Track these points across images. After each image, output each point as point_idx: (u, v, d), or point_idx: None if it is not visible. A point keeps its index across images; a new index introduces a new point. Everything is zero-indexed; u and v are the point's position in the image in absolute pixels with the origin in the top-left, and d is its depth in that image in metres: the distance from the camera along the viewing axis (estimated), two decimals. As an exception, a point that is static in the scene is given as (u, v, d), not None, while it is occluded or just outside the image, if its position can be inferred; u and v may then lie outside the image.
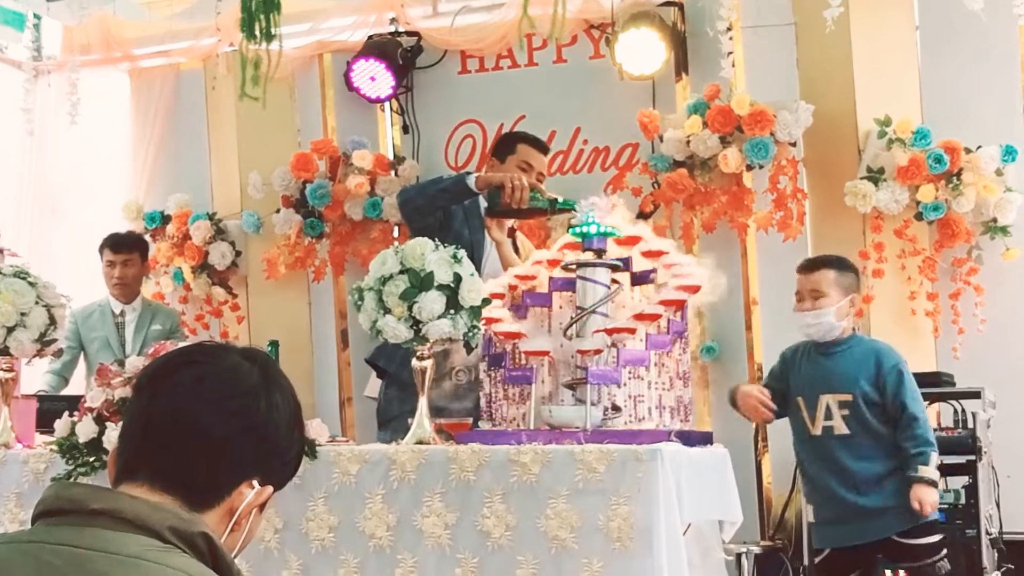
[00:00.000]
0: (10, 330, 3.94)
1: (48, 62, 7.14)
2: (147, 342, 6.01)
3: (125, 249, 6.17)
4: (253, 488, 1.71)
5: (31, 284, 3.99)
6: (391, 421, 4.63)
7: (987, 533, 4.80)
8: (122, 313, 6.17)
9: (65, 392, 5.89)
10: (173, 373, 1.74)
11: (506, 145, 4.88)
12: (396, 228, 6.51)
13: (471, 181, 4.46)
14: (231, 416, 1.70)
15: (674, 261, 3.66)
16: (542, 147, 4.93)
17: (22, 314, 3.94)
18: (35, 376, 5.75)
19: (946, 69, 5.75)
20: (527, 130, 5.71)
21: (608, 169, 6.27)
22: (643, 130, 5.95)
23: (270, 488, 1.74)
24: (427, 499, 3.23)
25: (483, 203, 4.74)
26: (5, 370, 4.02)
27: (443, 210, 4.63)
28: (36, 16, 6.85)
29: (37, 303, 3.98)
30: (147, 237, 6.85)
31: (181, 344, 3.69)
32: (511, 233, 4.84)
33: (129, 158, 7.15)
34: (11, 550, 1.54)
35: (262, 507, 1.76)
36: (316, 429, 3.42)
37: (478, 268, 3.57)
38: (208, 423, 1.68)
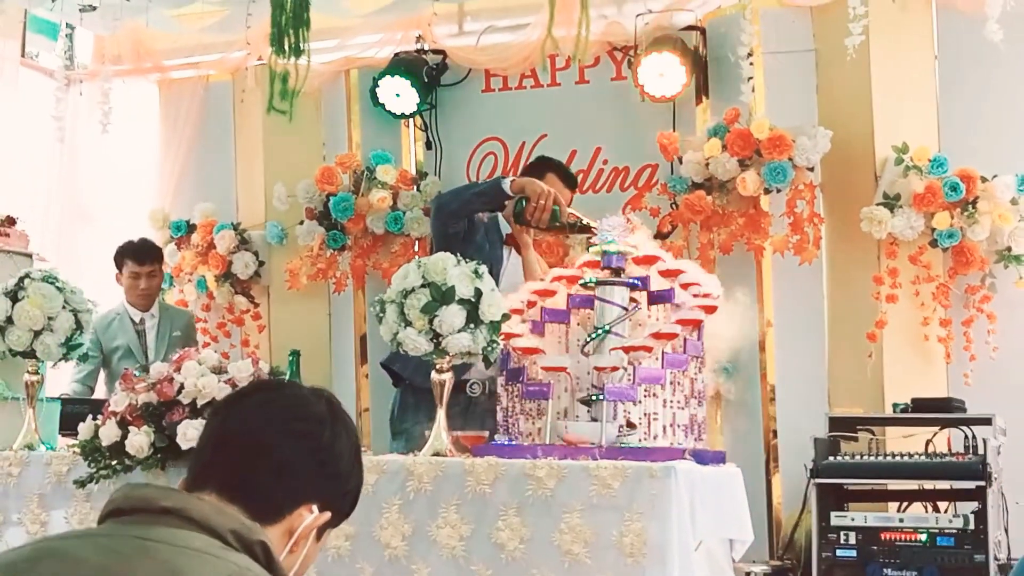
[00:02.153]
0: (37, 334, 4.01)
1: (80, 71, 7.25)
2: (170, 348, 6.08)
3: (149, 260, 6.22)
4: (312, 512, 1.79)
5: (59, 289, 4.05)
6: (405, 431, 4.69)
7: (995, 559, 4.82)
8: (142, 321, 6.22)
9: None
10: (246, 397, 1.86)
11: (536, 171, 4.94)
12: (416, 243, 6.59)
13: (506, 184, 4.57)
14: (296, 439, 1.79)
15: (692, 280, 3.70)
16: (570, 181, 5.01)
17: (49, 318, 4.00)
18: (59, 382, 5.82)
19: (964, 98, 5.79)
20: (548, 150, 5.79)
21: (627, 189, 6.32)
22: (663, 151, 6.01)
23: (328, 513, 1.82)
24: (443, 510, 3.26)
25: (503, 223, 4.83)
26: (31, 373, 4.09)
27: (468, 220, 4.71)
28: (69, 26, 6.93)
29: (64, 308, 4.04)
30: (172, 245, 6.96)
31: (203, 351, 3.78)
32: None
33: (156, 167, 7.23)
34: (82, 543, 1.61)
35: (319, 536, 1.83)
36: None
37: (495, 283, 3.63)
38: (274, 443, 1.78)
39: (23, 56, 6.99)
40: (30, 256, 5.51)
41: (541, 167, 4.98)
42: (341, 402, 1.93)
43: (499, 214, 4.85)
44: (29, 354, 4.03)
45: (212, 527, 1.64)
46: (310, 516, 1.79)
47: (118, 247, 6.27)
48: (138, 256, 6.18)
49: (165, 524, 1.63)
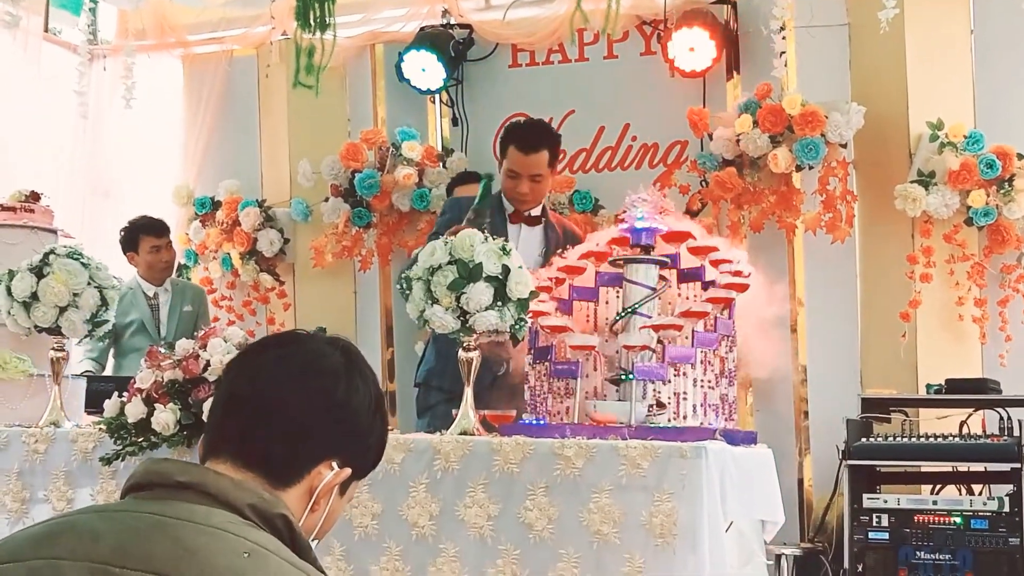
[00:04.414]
0: (62, 310, 3.99)
1: (103, 46, 7.22)
2: (181, 322, 6.08)
3: (166, 232, 6.28)
4: (332, 469, 1.75)
5: (84, 265, 4.04)
6: (430, 409, 4.64)
7: (1030, 542, 4.76)
8: (155, 296, 6.21)
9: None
10: (257, 354, 1.79)
11: (501, 145, 4.67)
12: (443, 219, 6.54)
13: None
14: (310, 395, 1.73)
15: (723, 258, 3.64)
16: (525, 146, 4.58)
17: (74, 294, 4.00)
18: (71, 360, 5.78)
19: (1000, 74, 5.71)
20: (576, 126, 5.70)
21: (656, 166, 6.27)
22: (692, 128, 5.94)
23: (348, 470, 1.77)
24: (470, 490, 3.22)
25: (507, 204, 4.67)
26: (56, 349, 4.07)
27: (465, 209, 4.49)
28: (92, 0, 6.91)
29: (89, 284, 4.03)
30: (196, 222, 6.94)
31: (228, 328, 3.74)
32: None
33: (180, 143, 7.23)
34: (99, 517, 1.59)
35: (343, 491, 1.79)
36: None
37: None
38: (287, 401, 1.72)
39: (46, 31, 6.97)
40: (55, 232, 5.48)
41: (503, 142, 4.64)
42: (359, 352, 1.85)
43: (502, 196, 4.70)
44: (54, 330, 4.02)
45: (230, 502, 1.61)
46: (329, 473, 1.74)
47: (128, 228, 6.26)
48: (156, 230, 6.23)
49: (183, 499, 1.60)
